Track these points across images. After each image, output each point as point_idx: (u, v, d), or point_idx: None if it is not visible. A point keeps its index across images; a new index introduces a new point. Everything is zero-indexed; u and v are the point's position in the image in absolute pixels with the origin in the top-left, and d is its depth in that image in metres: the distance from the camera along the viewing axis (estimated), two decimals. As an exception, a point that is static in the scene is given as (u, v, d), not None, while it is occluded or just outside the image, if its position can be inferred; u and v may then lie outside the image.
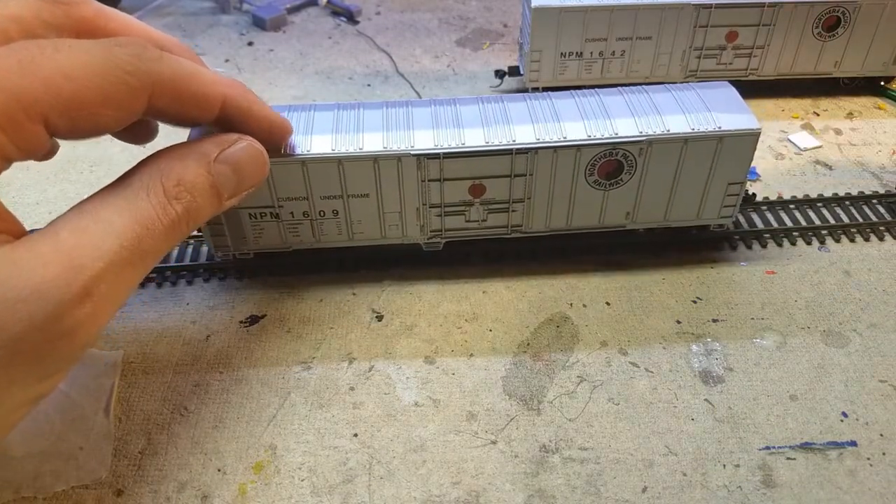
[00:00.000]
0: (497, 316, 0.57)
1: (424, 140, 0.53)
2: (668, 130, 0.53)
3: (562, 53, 0.80)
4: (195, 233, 0.62)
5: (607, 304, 0.58)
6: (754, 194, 0.65)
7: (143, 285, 0.60)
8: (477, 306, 0.58)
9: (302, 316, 0.57)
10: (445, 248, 0.60)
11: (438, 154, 0.52)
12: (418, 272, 0.61)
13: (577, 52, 0.80)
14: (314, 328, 0.57)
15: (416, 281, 0.60)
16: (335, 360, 0.54)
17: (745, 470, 0.47)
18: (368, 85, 0.91)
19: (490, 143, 0.52)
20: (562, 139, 0.53)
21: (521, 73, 0.85)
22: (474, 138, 0.53)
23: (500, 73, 0.88)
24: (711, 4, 0.76)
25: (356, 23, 1.06)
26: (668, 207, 0.57)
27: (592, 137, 0.53)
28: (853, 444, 0.48)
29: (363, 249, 0.59)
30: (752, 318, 0.57)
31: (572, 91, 0.57)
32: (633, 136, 0.53)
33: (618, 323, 0.56)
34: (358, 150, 0.52)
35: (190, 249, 0.63)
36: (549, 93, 0.57)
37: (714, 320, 0.57)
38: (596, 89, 0.57)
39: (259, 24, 1.04)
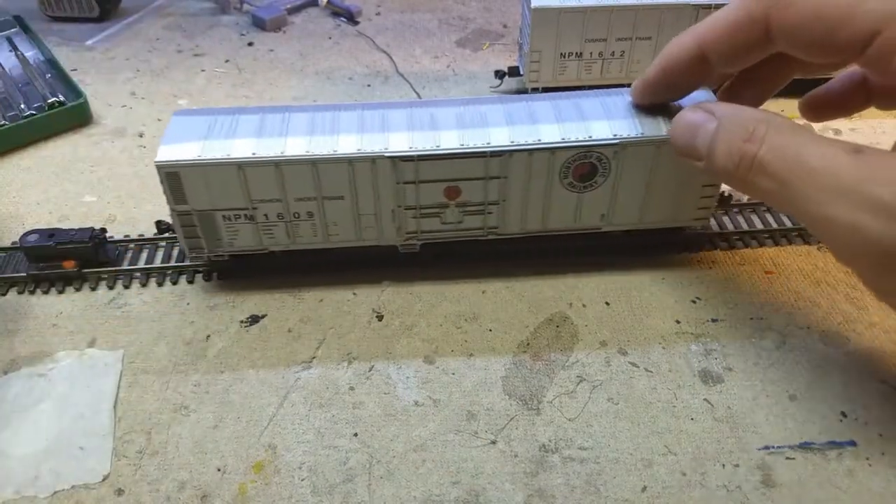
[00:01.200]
0: (496, 316, 0.57)
1: (400, 142, 0.53)
2: (642, 133, 0.53)
3: (561, 54, 0.80)
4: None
5: (607, 304, 0.58)
6: (730, 195, 0.65)
7: (143, 284, 0.60)
8: (476, 306, 0.58)
9: (302, 316, 0.58)
10: (445, 247, 0.60)
11: (413, 156, 0.52)
12: (418, 272, 0.61)
13: (576, 53, 0.80)
14: (314, 328, 0.57)
15: (416, 281, 0.60)
16: (335, 360, 0.54)
17: (744, 470, 0.47)
18: (368, 85, 0.91)
19: (465, 146, 0.52)
20: (536, 142, 0.53)
21: (521, 73, 0.85)
22: (449, 140, 0.53)
23: (499, 74, 0.88)
24: (711, 5, 0.77)
25: (356, 23, 1.06)
26: (643, 210, 0.58)
27: (566, 140, 0.53)
28: (852, 444, 0.48)
29: (339, 252, 0.58)
30: (752, 318, 0.57)
31: (549, 94, 0.57)
32: (606, 139, 0.53)
33: (617, 323, 0.57)
34: (332, 153, 0.52)
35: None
36: (527, 95, 0.57)
37: (713, 320, 0.57)
38: (572, 92, 0.57)
39: (259, 24, 1.04)
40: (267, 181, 0.53)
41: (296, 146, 0.52)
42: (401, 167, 0.53)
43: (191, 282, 0.61)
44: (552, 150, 0.53)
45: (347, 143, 0.52)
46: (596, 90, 0.57)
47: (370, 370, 0.53)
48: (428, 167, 0.53)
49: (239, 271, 0.60)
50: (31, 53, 0.92)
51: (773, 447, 0.48)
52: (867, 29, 0.39)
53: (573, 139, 0.53)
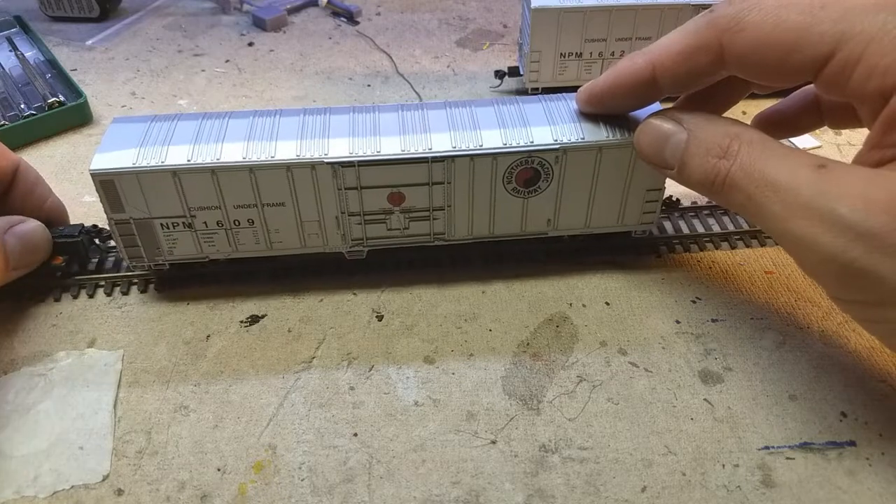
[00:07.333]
0: (496, 316, 0.57)
1: (339, 148, 0.52)
2: (583, 139, 0.53)
3: (561, 54, 0.80)
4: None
5: (607, 304, 0.58)
6: (678, 200, 0.66)
7: (144, 284, 0.60)
8: (476, 306, 0.58)
9: (302, 316, 0.58)
10: (446, 249, 0.60)
11: (353, 162, 0.52)
12: (418, 273, 0.61)
13: (576, 53, 0.80)
14: (314, 328, 0.57)
15: (416, 281, 0.60)
16: (335, 360, 0.54)
17: (744, 470, 0.47)
18: (368, 85, 0.91)
19: (406, 151, 0.52)
20: (478, 147, 0.53)
21: (521, 73, 0.85)
22: (390, 146, 0.52)
23: (499, 74, 0.88)
24: (710, 5, 0.76)
25: (356, 23, 1.06)
26: (589, 214, 0.58)
27: (508, 145, 0.53)
28: (852, 444, 0.48)
29: (287, 259, 0.58)
30: (752, 318, 0.57)
31: (493, 99, 0.57)
32: (547, 144, 0.53)
33: (617, 323, 0.57)
34: (270, 159, 0.51)
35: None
36: (471, 100, 0.57)
37: (713, 320, 0.57)
38: (517, 97, 0.57)
39: (259, 24, 1.05)
40: (204, 188, 0.52)
41: (232, 152, 0.51)
42: (342, 173, 0.52)
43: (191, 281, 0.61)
44: (494, 156, 0.53)
45: (286, 149, 0.52)
46: (540, 95, 0.58)
47: (370, 370, 0.53)
48: (370, 173, 0.53)
49: (180, 281, 0.60)
50: (31, 53, 0.92)
51: (773, 447, 0.48)
52: (821, 52, 0.39)
53: (515, 144, 0.53)
